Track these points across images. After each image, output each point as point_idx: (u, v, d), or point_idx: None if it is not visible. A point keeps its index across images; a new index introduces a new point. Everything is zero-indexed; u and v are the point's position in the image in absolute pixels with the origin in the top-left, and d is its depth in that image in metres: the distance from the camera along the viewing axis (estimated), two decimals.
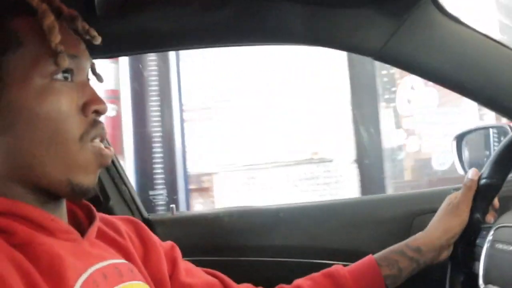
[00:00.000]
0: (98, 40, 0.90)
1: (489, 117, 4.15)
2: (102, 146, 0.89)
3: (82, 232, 0.91)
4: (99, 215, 1.00)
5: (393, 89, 4.50)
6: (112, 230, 1.02)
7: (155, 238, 1.11)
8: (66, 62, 0.83)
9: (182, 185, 4.39)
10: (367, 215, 1.51)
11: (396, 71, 4.45)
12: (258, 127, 4.96)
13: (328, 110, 4.81)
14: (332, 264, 1.25)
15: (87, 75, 0.91)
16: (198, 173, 4.94)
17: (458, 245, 1.18)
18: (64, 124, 0.84)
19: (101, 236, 0.97)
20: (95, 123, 0.87)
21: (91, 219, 0.96)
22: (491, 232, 1.01)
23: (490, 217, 1.16)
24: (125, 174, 1.65)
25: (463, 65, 1.26)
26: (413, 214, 1.42)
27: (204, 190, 4.88)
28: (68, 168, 0.85)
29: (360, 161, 4.36)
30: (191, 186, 4.78)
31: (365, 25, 1.28)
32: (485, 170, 1.16)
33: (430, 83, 4.39)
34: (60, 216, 0.89)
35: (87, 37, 0.91)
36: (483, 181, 1.17)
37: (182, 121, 4.45)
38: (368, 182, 4.28)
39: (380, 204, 1.57)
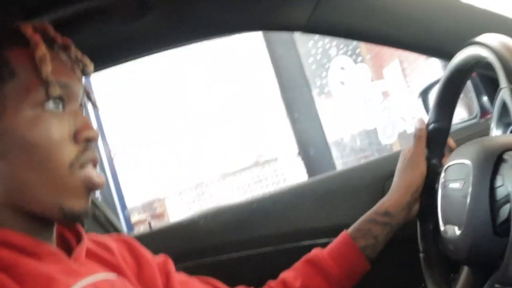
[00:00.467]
0: (91, 68, 0.94)
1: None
2: (94, 173, 0.90)
3: (71, 253, 0.92)
4: (89, 235, 1.02)
5: (324, 74, 4.54)
6: (103, 249, 1.03)
7: (147, 253, 1.12)
8: (56, 91, 0.86)
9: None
10: (339, 189, 1.51)
11: (322, 56, 4.50)
12: (199, 143, 4.93)
13: (261, 111, 4.83)
14: (314, 245, 1.24)
15: (80, 103, 0.93)
16: (149, 200, 4.89)
17: (421, 196, 1.19)
18: (55, 151, 0.86)
19: (91, 255, 0.99)
20: (86, 149, 0.89)
21: (79, 239, 0.97)
22: (442, 174, 1.02)
23: (446, 160, 1.16)
24: (95, 199, 1.65)
25: (394, 19, 1.27)
26: (383, 178, 1.41)
27: (159, 216, 4.82)
28: (58, 194, 0.87)
29: (305, 152, 4.37)
30: (146, 214, 4.73)
31: (288, 2, 1.29)
32: (430, 115, 1.17)
33: (359, 60, 4.50)
34: (48, 239, 0.90)
35: (80, 65, 0.93)
36: (431, 127, 1.17)
37: (109, 156, 4.40)
38: (318, 170, 4.29)
39: (349, 175, 1.57)
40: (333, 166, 4.33)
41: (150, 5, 1.23)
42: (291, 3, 1.29)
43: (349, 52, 4.47)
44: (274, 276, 1.23)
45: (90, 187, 0.90)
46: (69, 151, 0.87)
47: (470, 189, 0.86)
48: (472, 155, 0.90)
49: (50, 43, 0.91)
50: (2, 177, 0.86)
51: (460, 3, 1.29)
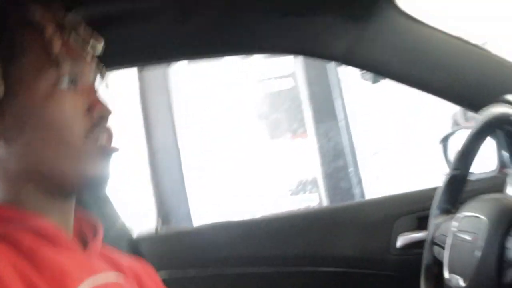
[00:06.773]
0: (101, 42, 0.96)
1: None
2: (107, 142, 0.92)
3: (86, 245, 0.94)
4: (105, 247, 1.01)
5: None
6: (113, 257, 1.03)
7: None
8: (66, 70, 0.88)
9: None
10: (348, 221, 1.51)
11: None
12: None
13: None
14: (314, 271, 1.24)
15: (93, 80, 0.95)
16: None
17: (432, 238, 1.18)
18: (69, 126, 0.88)
19: (103, 255, 1.00)
20: (99, 123, 0.91)
21: (95, 233, 0.98)
22: (454, 222, 1.03)
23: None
24: (107, 198, 1.54)
25: (428, 64, 1.30)
26: (393, 217, 1.42)
27: None
28: (76, 163, 0.89)
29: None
30: None
31: (329, 32, 1.32)
32: (454, 162, 1.18)
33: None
34: (65, 223, 0.92)
35: (92, 41, 0.95)
36: (449, 173, 1.18)
37: None
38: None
39: (360, 209, 1.59)
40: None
41: (193, 12, 1.23)
42: (332, 35, 1.32)
43: None
44: None
45: (106, 153, 0.92)
46: (84, 124, 0.89)
47: (482, 244, 0.88)
48: (488, 211, 0.93)
49: (60, 23, 0.92)
50: (21, 155, 0.88)
51: (494, 56, 1.31)
